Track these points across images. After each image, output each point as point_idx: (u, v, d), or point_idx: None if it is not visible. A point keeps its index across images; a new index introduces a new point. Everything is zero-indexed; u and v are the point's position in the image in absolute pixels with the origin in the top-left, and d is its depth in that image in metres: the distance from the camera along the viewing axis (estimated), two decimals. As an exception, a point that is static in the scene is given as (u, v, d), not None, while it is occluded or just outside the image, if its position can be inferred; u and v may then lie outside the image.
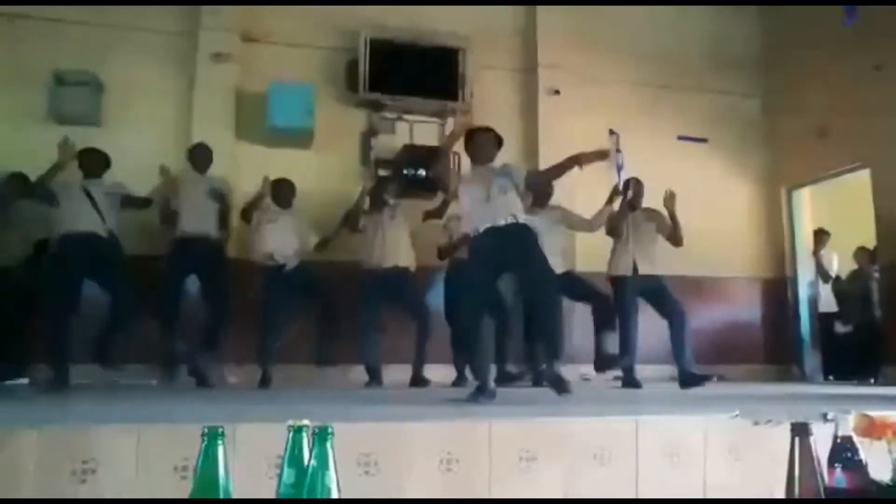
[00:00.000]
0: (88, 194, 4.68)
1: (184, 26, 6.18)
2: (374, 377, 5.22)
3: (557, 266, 4.56)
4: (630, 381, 5.09)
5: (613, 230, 5.33)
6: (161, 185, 5.02)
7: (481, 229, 3.72)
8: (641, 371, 5.33)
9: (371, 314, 5.32)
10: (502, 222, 3.71)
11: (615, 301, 5.24)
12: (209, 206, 4.99)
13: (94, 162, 4.88)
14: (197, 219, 4.91)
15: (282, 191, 5.33)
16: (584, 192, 6.64)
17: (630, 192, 5.40)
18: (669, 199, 5.21)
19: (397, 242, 5.40)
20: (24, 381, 4.76)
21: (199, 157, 5.16)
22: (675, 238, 5.28)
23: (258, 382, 4.95)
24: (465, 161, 6.34)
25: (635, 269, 5.21)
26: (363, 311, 5.33)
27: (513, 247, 3.67)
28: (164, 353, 4.76)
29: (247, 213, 5.22)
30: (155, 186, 5.07)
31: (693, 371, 4.90)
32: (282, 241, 5.18)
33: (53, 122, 5.63)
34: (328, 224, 5.63)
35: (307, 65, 6.39)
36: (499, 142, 3.99)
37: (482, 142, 3.94)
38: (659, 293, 5.15)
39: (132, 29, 6.02)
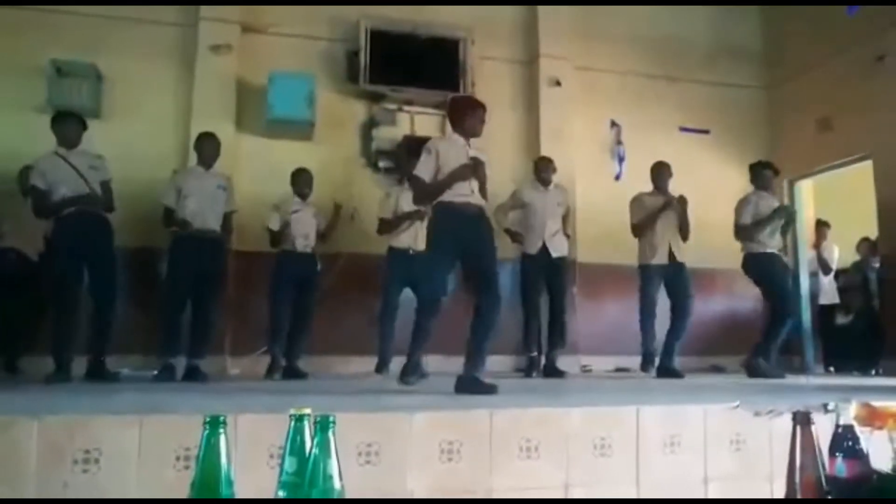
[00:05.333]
0: (76, 168, 4.42)
1: (184, 17, 6.15)
2: (385, 366, 5.07)
3: None
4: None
5: (643, 225, 5.34)
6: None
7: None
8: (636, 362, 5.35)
9: (395, 300, 5.22)
10: None
11: (642, 289, 5.29)
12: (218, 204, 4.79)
13: (73, 129, 4.55)
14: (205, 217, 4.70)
15: (302, 182, 5.29)
16: (582, 183, 6.66)
17: (658, 176, 5.43)
18: (682, 204, 5.30)
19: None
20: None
21: (207, 149, 4.87)
22: (682, 232, 5.37)
23: (266, 371, 4.97)
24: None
25: (671, 257, 5.26)
26: (388, 296, 5.21)
27: None
28: (163, 364, 4.50)
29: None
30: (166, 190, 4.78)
31: (673, 366, 5.07)
32: (305, 232, 5.17)
33: (53, 113, 5.61)
34: (328, 215, 5.61)
35: (308, 56, 6.37)
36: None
37: None
38: (679, 280, 5.23)
39: (132, 20, 6.00)
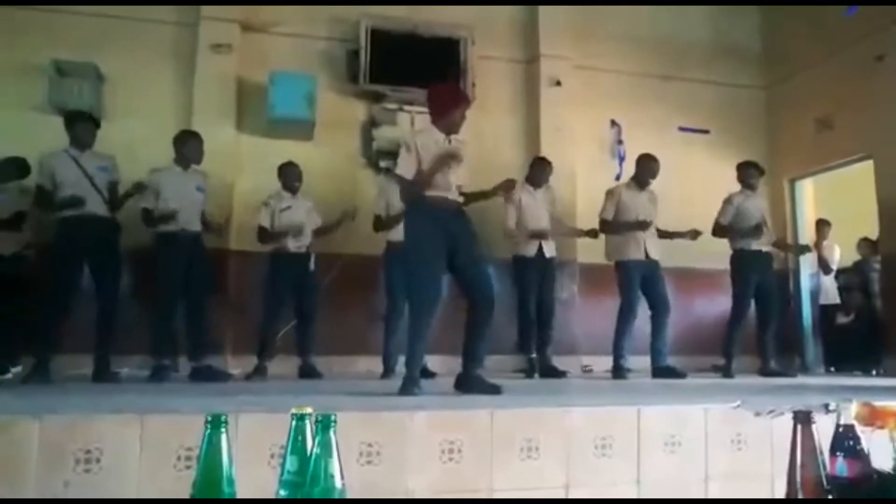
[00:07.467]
0: (84, 170, 4.40)
1: (184, 17, 6.16)
2: (391, 369, 4.95)
3: None
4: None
5: (611, 226, 5.27)
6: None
7: None
8: (638, 362, 5.34)
9: (401, 297, 4.96)
10: None
11: (620, 287, 5.20)
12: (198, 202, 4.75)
13: (87, 130, 4.53)
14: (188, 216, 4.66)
15: (291, 176, 5.25)
16: (583, 181, 6.66)
17: (642, 169, 5.35)
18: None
19: None
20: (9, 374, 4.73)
21: (188, 149, 4.77)
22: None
23: (252, 371, 4.93)
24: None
25: (647, 253, 5.18)
26: (393, 292, 5.08)
27: None
28: (155, 365, 4.49)
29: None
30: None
31: (667, 364, 5.03)
32: (297, 230, 5.13)
33: (54, 113, 5.61)
34: (328, 216, 5.61)
35: (308, 55, 6.37)
36: None
37: None
38: (654, 279, 5.17)
39: (132, 19, 6.00)
